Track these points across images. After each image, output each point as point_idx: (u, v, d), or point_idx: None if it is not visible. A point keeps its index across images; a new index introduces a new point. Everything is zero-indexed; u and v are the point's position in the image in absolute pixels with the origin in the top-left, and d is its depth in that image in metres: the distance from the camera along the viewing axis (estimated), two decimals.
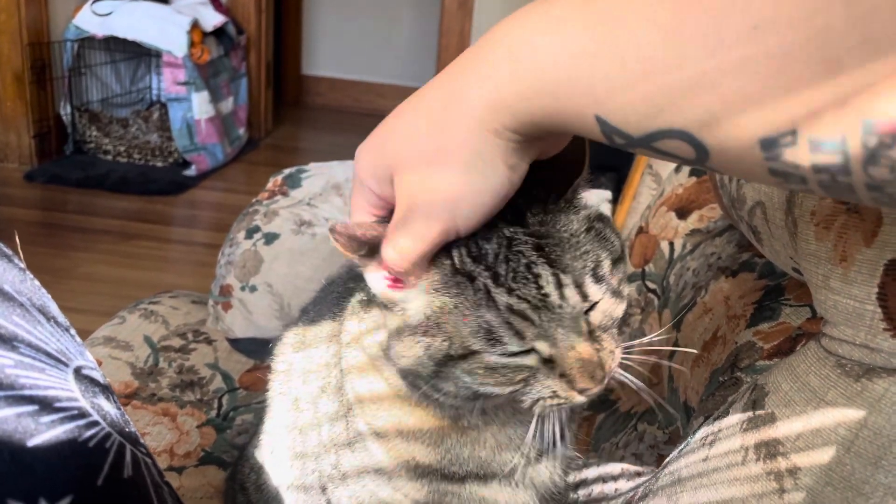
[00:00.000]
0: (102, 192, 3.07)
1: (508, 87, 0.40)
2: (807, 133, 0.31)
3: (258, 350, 1.16)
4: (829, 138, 0.30)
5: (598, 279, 0.49)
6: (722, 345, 0.76)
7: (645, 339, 0.57)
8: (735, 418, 0.57)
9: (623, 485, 0.79)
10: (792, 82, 0.30)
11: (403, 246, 0.46)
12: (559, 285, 0.47)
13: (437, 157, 0.44)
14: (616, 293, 0.51)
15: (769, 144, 0.32)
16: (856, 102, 0.29)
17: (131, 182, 3.18)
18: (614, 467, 0.82)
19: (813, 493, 0.48)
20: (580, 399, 0.50)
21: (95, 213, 2.90)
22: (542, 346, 0.48)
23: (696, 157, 0.35)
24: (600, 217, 0.53)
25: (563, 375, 0.49)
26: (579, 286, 0.48)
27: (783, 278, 0.74)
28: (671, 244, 0.98)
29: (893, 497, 0.44)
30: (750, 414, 0.55)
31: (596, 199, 1.31)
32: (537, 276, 0.47)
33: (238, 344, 1.20)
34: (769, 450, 0.52)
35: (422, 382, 0.52)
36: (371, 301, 0.57)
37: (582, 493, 0.81)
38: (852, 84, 0.29)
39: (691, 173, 1.03)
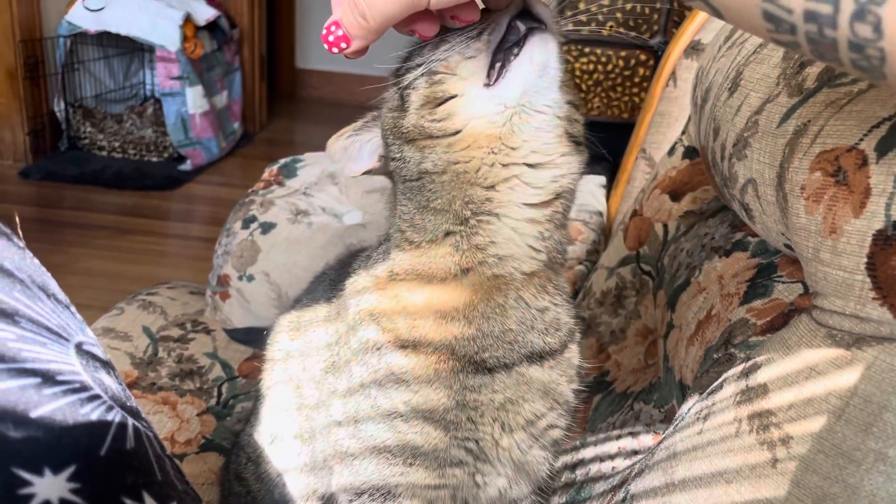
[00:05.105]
0: (98, 187, 3.07)
1: None
2: None
3: (256, 339, 1.16)
4: None
5: None
6: (716, 323, 0.77)
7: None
8: (729, 391, 0.58)
9: (620, 463, 0.80)
10: None
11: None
12: None
13: None
14: None
15: None
16: None
17: (126, 177, 3.17)
18: (611, 446, 0.83)
19: (805, 461, 0.48)
20: None
21: (91, 208, 2.90)
22: None
23: None
24: None
25: None
26: None
27: (776, 256, 0.75)
28: (665, 226, 0.99)
29: (884, 462, 0.45)
30: (743, 387, 0.56)
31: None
32: None
33: (235, 334, 1.20)
34: (762, 421, 0.52)
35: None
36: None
37: (580, 472, 0.82)
38: None
39: (684, 156, 1.03)
